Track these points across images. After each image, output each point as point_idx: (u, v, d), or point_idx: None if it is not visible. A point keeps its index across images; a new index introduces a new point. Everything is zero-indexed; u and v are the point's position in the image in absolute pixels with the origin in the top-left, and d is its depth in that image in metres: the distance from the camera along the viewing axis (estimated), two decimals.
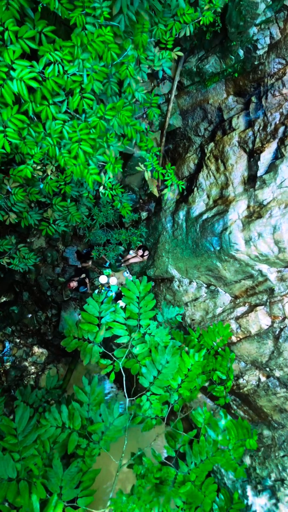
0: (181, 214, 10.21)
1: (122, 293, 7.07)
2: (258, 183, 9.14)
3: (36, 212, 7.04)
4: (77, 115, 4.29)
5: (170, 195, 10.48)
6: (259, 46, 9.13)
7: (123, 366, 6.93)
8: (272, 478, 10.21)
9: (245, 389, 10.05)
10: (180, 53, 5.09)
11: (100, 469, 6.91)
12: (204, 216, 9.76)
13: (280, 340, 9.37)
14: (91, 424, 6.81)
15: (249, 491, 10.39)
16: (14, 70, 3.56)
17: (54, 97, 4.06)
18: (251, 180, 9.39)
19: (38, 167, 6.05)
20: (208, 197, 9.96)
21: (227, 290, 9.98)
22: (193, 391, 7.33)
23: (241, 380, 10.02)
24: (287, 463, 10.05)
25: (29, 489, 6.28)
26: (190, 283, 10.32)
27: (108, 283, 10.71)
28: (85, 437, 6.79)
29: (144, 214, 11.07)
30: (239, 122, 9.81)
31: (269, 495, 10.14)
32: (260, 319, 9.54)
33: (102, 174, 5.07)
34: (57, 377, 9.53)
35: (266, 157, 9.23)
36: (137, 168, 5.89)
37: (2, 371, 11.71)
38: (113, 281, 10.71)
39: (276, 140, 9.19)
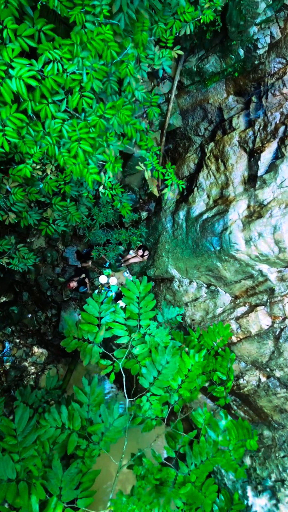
0: (181, 214, 10.19)
1: (122, 293, 7.04)
2: (258, 183, 9.12)
3: (36, 212, 7.01)
4: (77, 114, 4.26)
5: (170, 194, 10.45)
6: (260, 46, 9.11)
7: (123, 366, 6.90)
8: (273, 479, 10.19)
9: (246, 389, 10.03)
10: (180, 52, 5.06)
11: (100, 470, 6.88)
12: (204, 216, 9.74)
13: (281, 341, 9.35)
14: (91, 425, 6.78)
15: (250, 492, 10.37)
16: (13, 68, 3.53)
17: (53, 95, 4.04)
18: (252, 180, 9.37)
19: (38, 167, 6.02)
20: (208, 197, 9.94)
21: (227, 290, 9.96)
22: (193, 391, 7.30)
23: (241, 381, 10.00)
24: None
25: (29, 490, 6.26)
26: (190, 283, 10.30)
27: (108, 283, 10.69)
28: (85, 438, 6.76)
29: (144, 214, 11.05)
30: (239, 122, 9.79)
31: (270, 495, 10.12)
32: (260, 319, 9.52)
33: (102, 173, 5.04)
34: (57, 378, 9.51)
35: (266, 156, 9.21)
36: (137, 167, 5.86)
37: (2, 371, 11.69)
38: (113, 281, 10.69)
39: (277, 140, 9.17)
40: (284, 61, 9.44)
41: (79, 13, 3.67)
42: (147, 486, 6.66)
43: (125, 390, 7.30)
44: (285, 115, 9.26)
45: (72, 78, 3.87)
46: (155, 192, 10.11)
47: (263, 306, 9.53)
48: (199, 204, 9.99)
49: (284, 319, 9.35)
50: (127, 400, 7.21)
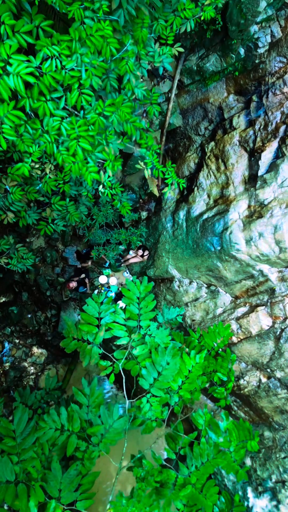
0: (181, 214, 10.15)
1: (122, 294, 6.99)
2: (259, 182, 9.09)
3: (35, 211, 6.96)
4: (76, 112, 4.21)
5: (170, 194, 10.41)
6: (260, 45, 9.07)
7: (123, 367, 6.85)
8: (273, 480, 10.15)
9: (246, 390, 9.99)
10: (181, 49, 5.02)
11: (99, 472, 6.84)
12: (205, 216, 9.70)
13: (281, 341, 9.31)
14: (91, 426, 6.73)
15: (250, 493, 10.33)
16: (10, 65, 3.48)
17: (51, 93, 3.98)
18: (252, 180, 9.33)
19: (37, 166, 5.98)
20: (209, 196, 9.90)
21: (228, 291, 9.91)
22: (194, 393, 7.25)
23: (241, 381, 9.96)
24: None
25: (28, 492, 6.22)
26: (190, 283, 10.26)
27: (108, 283, 10.64)
28: (84, 439, 6.71)
29: (144, 214, 11.01)
30: (240, 121, 9.75)
31: (270, 496, 10.08)
32: (261, 320, 9.49)
33: (101, 172, 4.99)
34: (57, 378, 9.47)
35: (267, 156, 9.17)
36: (137, 166, 5.80)
37: (1, 371, 11.64)
38: (113, 281, 10.65)
39: (277, 139, 9.13)
40: (284, 60, 9.40)
41: (77, 8, 3.62)
42: (147, 488, 6.61)
43: (125, 391, 7.24)
44: (285, 114, 9.23)
45: (70, 75, 3.81)
46: (155, 191, 10.06)
47: (264, 307, 9.49)
48: (200, 204, 9.95)
49: (284, 319, 9.32)
50: (127, 401, 7.15)
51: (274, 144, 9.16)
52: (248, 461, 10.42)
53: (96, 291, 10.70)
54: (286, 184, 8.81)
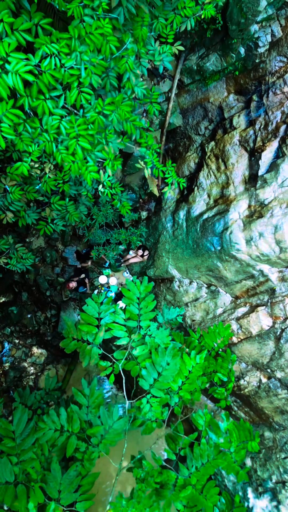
0: (182, 214, 10.12)
1: (122, 294, 6.96)
2: (259, 182, 9.06)
3: (34, 211, 6.93)
4: (75, 110, 4.17)
5: (170, 193, 10.38)
6: (260, 44, 9.05)
7: (122, 368, 6.82)
8: (273, 480, 10.13)
9: (246, 390, 9.97)
10: (181, 48, 4.99)
11: (99, 473, 6.81)
12: (205, 216, 9.67)
13: (282, 341, 9.29)
14: (90, 427, 6.70)
15: (250, 493, 10.31)
16: (9, 63, 3.44)
17: (51, 91, 3.95)
18: (252, 180, 9.31)
19: (36, 165, 5.95)
20: (209, 196, 9.87)
21: (228, 291, 9.89)
22: (194, 393, 7.22)
23: (242, 381, 9.94)
24: None
25: (27, 493, 6.19)
26: (190, 283, 10.23)
27: (107, 283, 10.62)
28: (84, 440, 6.68)
29: (144, 214, 10.99)
30: (240, 121, 9.73)
31: (270, 497, 10.07)
32: (261, 320, 9.47)
33: (101, 172, 4.96)
34: (56, 378, 9.44)
35: (267, 156, 9.15)
36: (137, 165, 5.77)
37: (1, 372, 11.62)
38: (113, 281, 10.63)
39: (278, 139, 9.11)
40: (285, 59, 9.38)
41: (77, 6, 3.59)
42: (147, 489, 6.58)
43: (125, 392, 7.21)
44: (286, 114, 9.20)
45: (70, 73, 3.78)
46: (155, 191, 10.03)
47: (264, 307, 9.47)
48: (200, 204, 9.93)
49: (285, 319, 9.29)
50: (127, 401, 7.13)
51: (275, 144, 9.14)
52: (248, 462, 10.40)
53: (96, 291, 10.68)
54: (287, 184, 8.79)
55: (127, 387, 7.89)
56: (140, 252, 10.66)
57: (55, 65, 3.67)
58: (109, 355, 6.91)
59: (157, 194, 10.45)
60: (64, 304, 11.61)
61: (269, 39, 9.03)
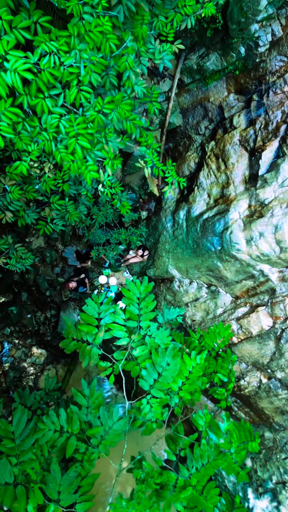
0: (182, 214, 10.10)
1: (122, 294, 6.93)
2: (259, 182, 9.04)
3: (34, 211, 6.91)
4: (74, 109, 4.15)
5: (170, 193, 10.35)
6: (261, 43, 9.03)
7: (122, 368, 6.79)
8: (274, 481, 10.11)
9: (246, 390, 9.95)
10: (181, 46, 4.96)
11: (99, 474, 6.77)
12: (205, 216, 9.65)
13: (282, 341, 9.27)
14: (90, 428, 6.67)
15: (250, 494, 10.29)
16: (8, 61, 3.41)
17: (50, 89, 3.91)
18: (252, 179, 9.29)
19: (35, 165, 5.93)
20: (209, 196, 9.85)
21: (228, 291, 9.87)
22: (194, 393, 7.19)
23: (242, 382, 9.92)
24: None
25: (27, 494, 6.16)
26: (190, 283, 10.21)
27: (107, 283, 10.59)
28: (84, 441, 6.65)
29: (144, 214, 10.96)
30: (240, 121, 9.70)
31: (271, 497, 10.05)
32: (261, 320, 9.44)
33: (100, 171, 4.93)
34: (56, 379, 9.40)
35: (267, 155, 9.13)
36: (137, 164, 5.75)
37: (0, 372, 11.60)
38: (113, 281, 10.61)
39: (278, 139, 9.09)
40: (285, 59, 9.35)
41: (76, 4, 3.56)
42: (147, 490, 6.55)
43: (125, 392, 7.18)
44: (286, 113, 9.18)
45: (69, 72, 3.75)
46: (155, 191, 10.01)
47: (264, 307, 9.45)
48: (200, 204, 9.90)
49: (285, 319, 9.27)
50: (127, 402, 7.10)
51: (275, 144, 9.11)
52: (248, 462, 10.38)
53: (96, 291, 10.66)
54: (287, 184, 8.77)
55: (127, 387, 7.86)
56: (140, 252, 10.63)
57: (54, 63, 3.64)
58: (109, 356, 6.88)
59: (157, 194, 10.43)
60: (64, 304, 11.58)
61: (270, 39, 9.01)
